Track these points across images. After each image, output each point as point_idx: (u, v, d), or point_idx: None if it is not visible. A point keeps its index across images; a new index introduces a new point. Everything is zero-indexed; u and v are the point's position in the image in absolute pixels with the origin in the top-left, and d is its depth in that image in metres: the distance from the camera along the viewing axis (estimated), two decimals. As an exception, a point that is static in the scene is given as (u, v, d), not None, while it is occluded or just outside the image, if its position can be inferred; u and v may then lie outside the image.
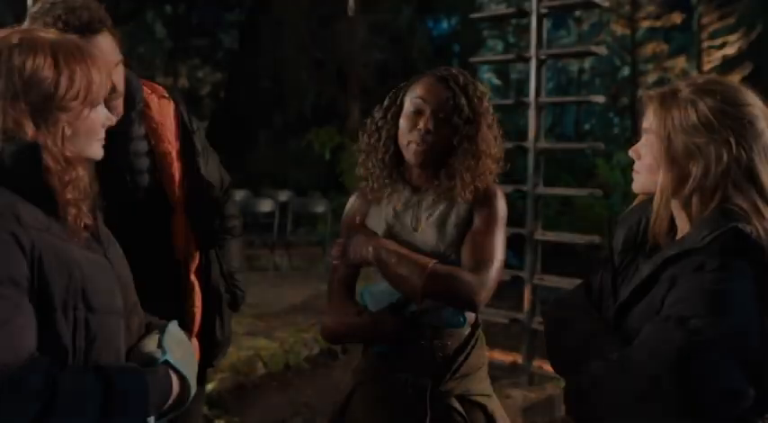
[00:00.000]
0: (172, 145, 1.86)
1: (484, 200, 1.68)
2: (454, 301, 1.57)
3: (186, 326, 1.83)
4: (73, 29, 1.60)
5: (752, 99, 1.25)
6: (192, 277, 1.91)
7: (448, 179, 1.66)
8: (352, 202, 1.81)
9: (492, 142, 1.70)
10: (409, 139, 1.66)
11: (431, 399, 1.62)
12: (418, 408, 1.62)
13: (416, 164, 1.68)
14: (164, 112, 1.87)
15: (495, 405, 1.70)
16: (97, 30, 1.65)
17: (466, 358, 1.66)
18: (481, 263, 1.59)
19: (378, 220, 1.73)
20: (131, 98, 1.78)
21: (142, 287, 1.42)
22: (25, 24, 1.64)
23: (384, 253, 1.61)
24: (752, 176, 1.21)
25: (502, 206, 1.69)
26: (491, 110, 1.73)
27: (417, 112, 1.66)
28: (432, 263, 1.57)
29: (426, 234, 1.67)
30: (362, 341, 1.75)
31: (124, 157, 1.77)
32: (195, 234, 1.90)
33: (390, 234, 1.70)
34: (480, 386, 1.69)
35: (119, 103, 1.73)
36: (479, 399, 1.67)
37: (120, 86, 1.71)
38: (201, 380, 1.96)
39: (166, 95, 1.90)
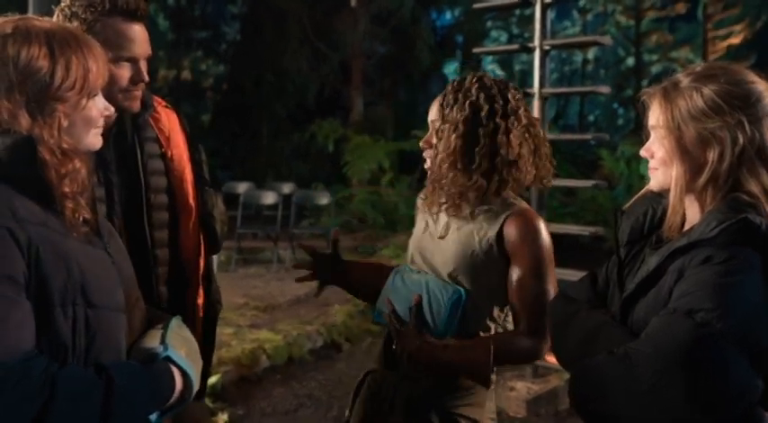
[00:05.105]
0: (183, 149, 1.86)
1: (521, 233, 1.57)
2: (518, 364, 1.61)
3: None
4: (118, 11, 1.62)
5: (754, 77, 1.23)
6: (200, 282, 1.90)
7: (484, 179, 1.60)
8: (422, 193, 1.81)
9: (513, 145, 1.58)
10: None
11: (409, 407, 1.60)
12: (396, 412, 1.61)
13: (429, 180, 1.68)
14: (170, 119, 1.87)
15: (484, 418, 1.64)
16: (138, 18, 1.66)
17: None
18: (532, 321, 1.56)
19: (422, 218, 1.75)
20: (144, 102, 1.77)
21: (142, 290, 1.40)
22: (65, 2, 1.64)
23: (438, 352, 1.51)
24: (763, 156, 1.19)
25: (545, 244, 1.59)
26: (517, 111, 1.61)
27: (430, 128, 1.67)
28: (491, 344, 1.50)
29: (448, 245, 1.64)
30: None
31: (140, 158, 1.76)
32: (204, 238, 1.90)
33: (423, 234, 1.71)
34: (468, 409, 1.62)
35: (141, 93, 1.72)
36: (464, 421, 1.62)
37: (147, 77, 1.70)
38: (202, 391, 1.95)
39: (168, 105, 1.90)
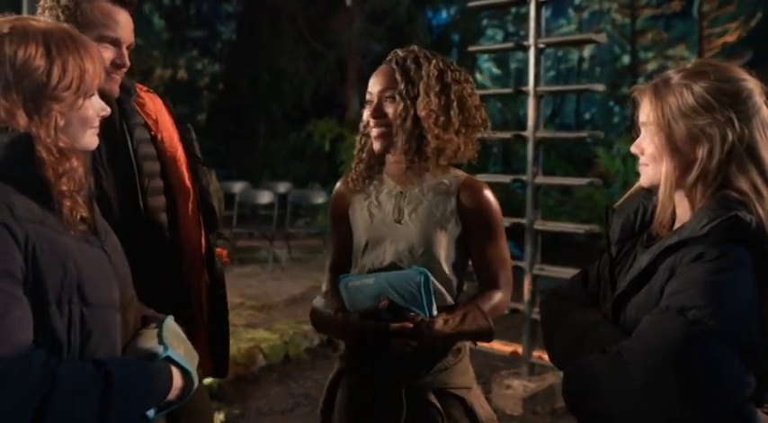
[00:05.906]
0: (172, 131, 1.87)
1: (477, 202, 1.65)
2: (498, 316, 1.69)
3: (193, 316, 1.84)
4: None
5: (744, 74, 1.24)
6: (202, 264, 1.90)
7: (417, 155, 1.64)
8: (336, 189, 1.82)
9: (437, 109, 1.60)
10: (369, 131, 1.69)
11: (407, 394, 1.62)
12: (395, 402, 1.62)
13: (379, 151, 1.68)
14: (155, 102, 1.88)
15: (474, 397, 1.68)
16: (126, 4, 1.68)
17: (441, 353, 1.65)
18: (503, 276, 1.70)
19: (360, 208, 1.73)
20: (125, 88, 1.78)
21: (147, 277, 1.41)
22: None
23: (442, 328, 1.57)
24: (753, 153, 1.20)
25: (497, 207, 1.68)
26: (446, 77, 1.64)
27: (369, 103, 1.69)
28: (480, 307, 1.63)
29: (409, 228, 1.65)
30: (337, 338, 1.74)
31: (130, 144, 1.76)
32: (203, 219, 1.90)
33: (372, 223, 1.69)
34: (458, 379, 1.68)
35: (120, 78, 1.72)
36: (457, 392, 1.66)
37: (128, 62, 1.71)
38: (223, 369, 1.96)
39: (150, 90, 1.91)
